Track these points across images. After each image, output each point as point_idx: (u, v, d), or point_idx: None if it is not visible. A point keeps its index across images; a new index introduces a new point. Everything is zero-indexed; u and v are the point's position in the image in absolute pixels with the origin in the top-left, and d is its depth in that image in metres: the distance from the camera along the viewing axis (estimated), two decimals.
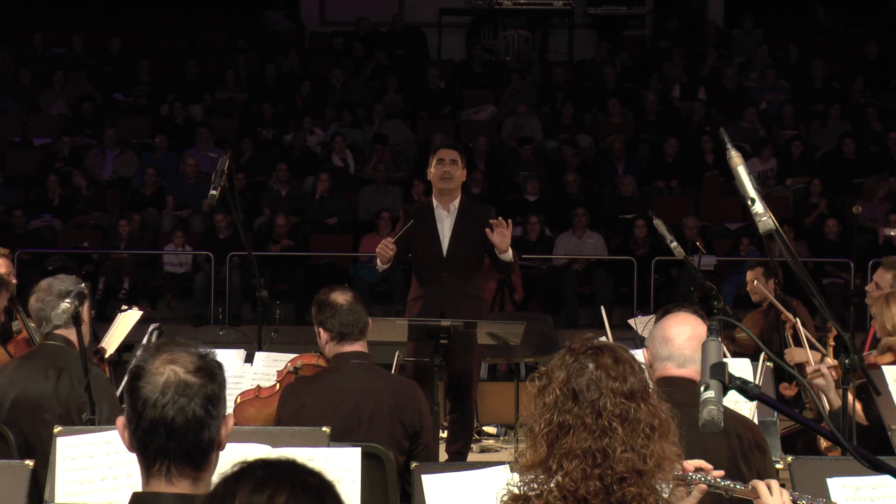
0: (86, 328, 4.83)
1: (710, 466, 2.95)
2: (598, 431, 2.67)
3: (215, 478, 2.00)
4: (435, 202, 6.66)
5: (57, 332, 4.77)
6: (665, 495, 2.73)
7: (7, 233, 12.69)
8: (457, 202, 6.64)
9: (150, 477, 2.39)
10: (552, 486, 2.68)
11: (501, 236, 6.40)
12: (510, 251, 6.46)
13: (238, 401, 4.87)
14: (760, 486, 2.81)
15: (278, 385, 4.86)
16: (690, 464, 2.92)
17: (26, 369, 4.73)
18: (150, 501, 2.38)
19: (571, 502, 2.65)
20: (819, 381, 5.11)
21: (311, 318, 4.83)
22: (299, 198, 13.82)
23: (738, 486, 2.87)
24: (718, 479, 2.90)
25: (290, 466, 1.93)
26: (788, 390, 6.59)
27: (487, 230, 6.42)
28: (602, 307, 7.36)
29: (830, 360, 5.45)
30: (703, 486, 2.93)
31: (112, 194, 14.20)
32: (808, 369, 5.50)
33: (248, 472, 1.93)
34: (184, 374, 2.38)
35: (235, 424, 4.56)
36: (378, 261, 6.58)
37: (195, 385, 2.38)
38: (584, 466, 2.65)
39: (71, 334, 4.77)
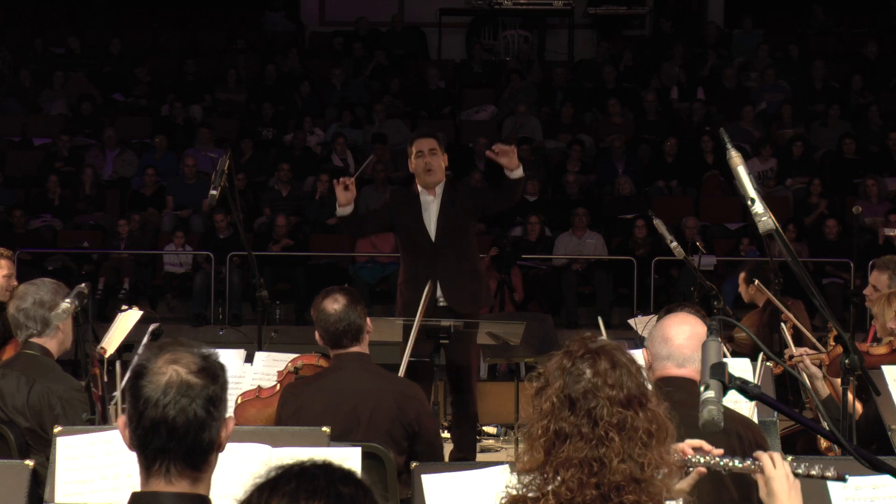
0: (66, 337, 4.82)
1: (709, 447, 2.94)
2: (595, 441, 2.66)
3: (245, 481, 1.99)
4: (420, 189, 6.66)
5: (33, 340, 4.75)
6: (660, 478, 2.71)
7: (7, 233, 12.70)
8: (441, 186, 6.63)
9: (149, 476, 2.39)
10: (549, 491, 2.68)
11: (507, 156, 6.38)
12: (520, 168, 6.43)
13: (239, 401, 4.87)
14: (764, 457, 2.80)
15: (279, 385, 4.86)
16: (690, 444, 2.92)
17: (2, 378, 4.71)
18: (149, 501, 2.38)
19: None
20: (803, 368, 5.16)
21: (311, 317, 4.82)
22: (299, 198, 13.83)
23: (737, 463, 2.86)
24: (717, 458, 2.90)
25: (325, 475, 1.92)
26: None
27: (491, 154, 6.43)
28: (599, 318, 7.33)
29: (810, 352, 5.48)
30: (702, 469, 2.92)
31: (112, 194, 14.21)
32: (787, 353, 5.52)
33: (282, 482, 1.92)
34: (186, 375, 2.38)
35: (236, 424, 4.57)
36: (336, 204, 6.61)
37: (197, 386, 2.38)
38: (580, 476, 2.64)
39: (48, 343, 4.76)
